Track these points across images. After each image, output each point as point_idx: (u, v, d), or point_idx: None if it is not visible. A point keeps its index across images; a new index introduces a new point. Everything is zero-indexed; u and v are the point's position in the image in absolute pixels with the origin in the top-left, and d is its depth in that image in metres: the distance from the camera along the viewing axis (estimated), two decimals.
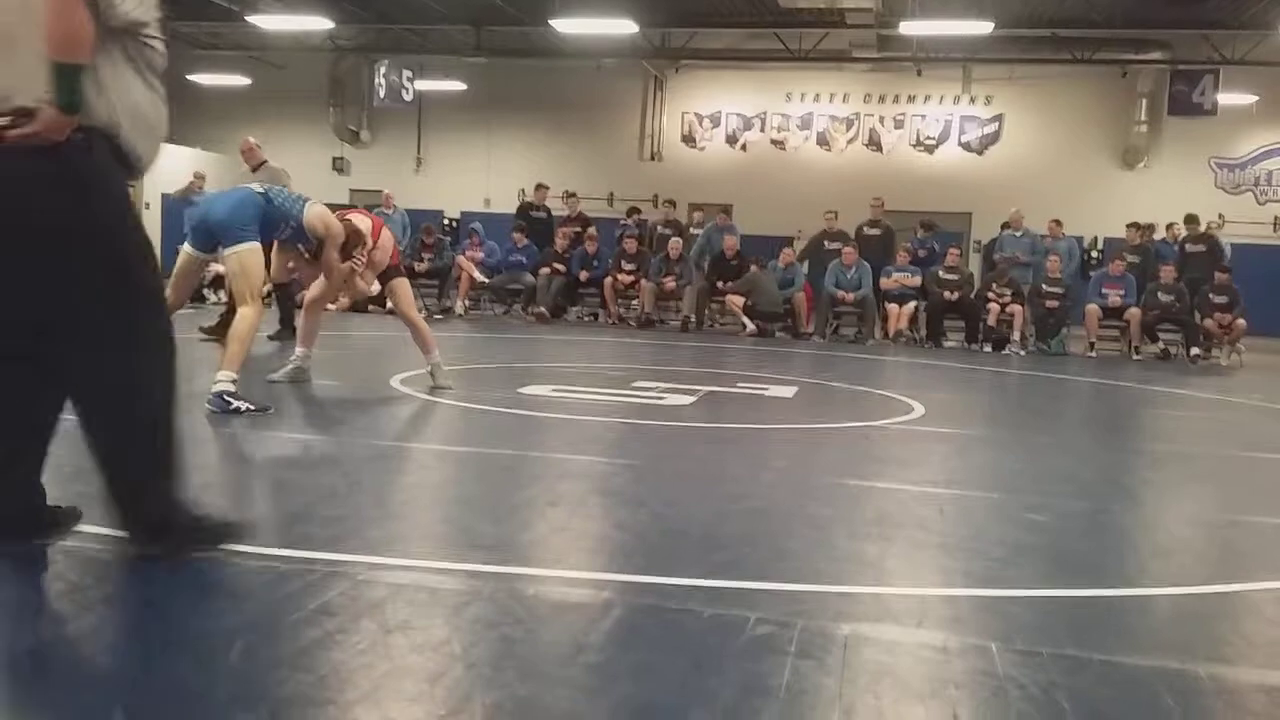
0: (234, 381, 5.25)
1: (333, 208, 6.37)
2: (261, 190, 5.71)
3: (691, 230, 14.92)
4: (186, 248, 5.74)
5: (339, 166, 20.45)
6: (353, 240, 6.14)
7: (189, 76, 20.55)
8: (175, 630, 2.40)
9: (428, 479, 4.39)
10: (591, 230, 14.60)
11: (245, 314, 5.44)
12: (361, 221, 6.35)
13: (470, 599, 2.69)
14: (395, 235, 6.91)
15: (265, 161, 9.23)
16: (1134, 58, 17.14)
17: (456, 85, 18.94)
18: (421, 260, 14.22)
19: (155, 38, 2.69)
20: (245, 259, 5.46)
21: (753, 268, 13.54)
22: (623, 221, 15.55)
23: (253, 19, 16.27)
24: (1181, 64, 17.04)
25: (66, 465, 4.13)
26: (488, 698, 2.09)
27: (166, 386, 2.79)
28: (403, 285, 6.70)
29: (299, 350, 6.56)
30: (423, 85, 19.07)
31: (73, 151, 2.50)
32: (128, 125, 2.62)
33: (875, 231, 14.15)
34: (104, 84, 2.55)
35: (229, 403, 5.17)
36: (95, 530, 3.04)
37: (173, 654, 2.26)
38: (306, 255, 6.19)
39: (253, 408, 5.22)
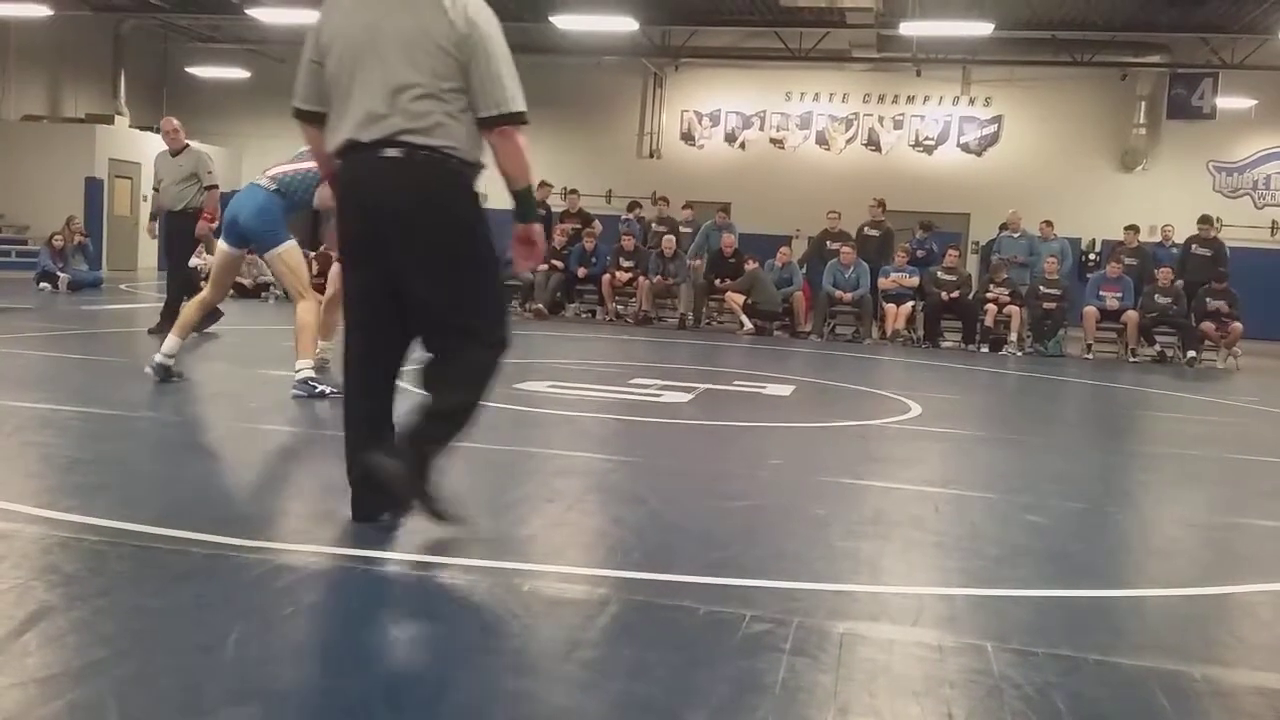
0: (313, 368, 5.70)
1: None
2: (275, 188, 5.81)
3: (682, 228, 14.90)
4: (222, 244, 5.97)
5: None
6: None
7: (188, 69, 20.56)
8: (170, 623, 2.39)
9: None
10: (595, 225, 14.58)
11: (305, 306, 5.83)
12: None
13: (466, 594, 2.69)
14: None
15: (188, 145, 9.11)
16: (1133, 61, 17.17)
17: None
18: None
19: None
20: (287, 259, 5.82)
21: (749, 265, 13.54)
22: (625, 217, 15.54)
23: (252, 12, 16.26)
24: (1181, 67, 17.07)
25: (62, 456, 4.14)
26: (483, 692, 2.09)
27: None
28: None
29: (321, 343, 6.58)
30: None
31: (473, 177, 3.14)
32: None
33: (875, 232, 14.16)
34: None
35: (313, 386, 5.61)
36: (92, 521, 3.05)
37: (162, 647, 2.25)
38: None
39: (336, 390, 5.28)
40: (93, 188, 17.90)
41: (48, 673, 2.04)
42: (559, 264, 14.15)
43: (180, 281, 9.12)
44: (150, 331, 8.64)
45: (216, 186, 8.91)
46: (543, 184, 15.63)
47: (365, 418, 3.16)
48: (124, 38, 19.35)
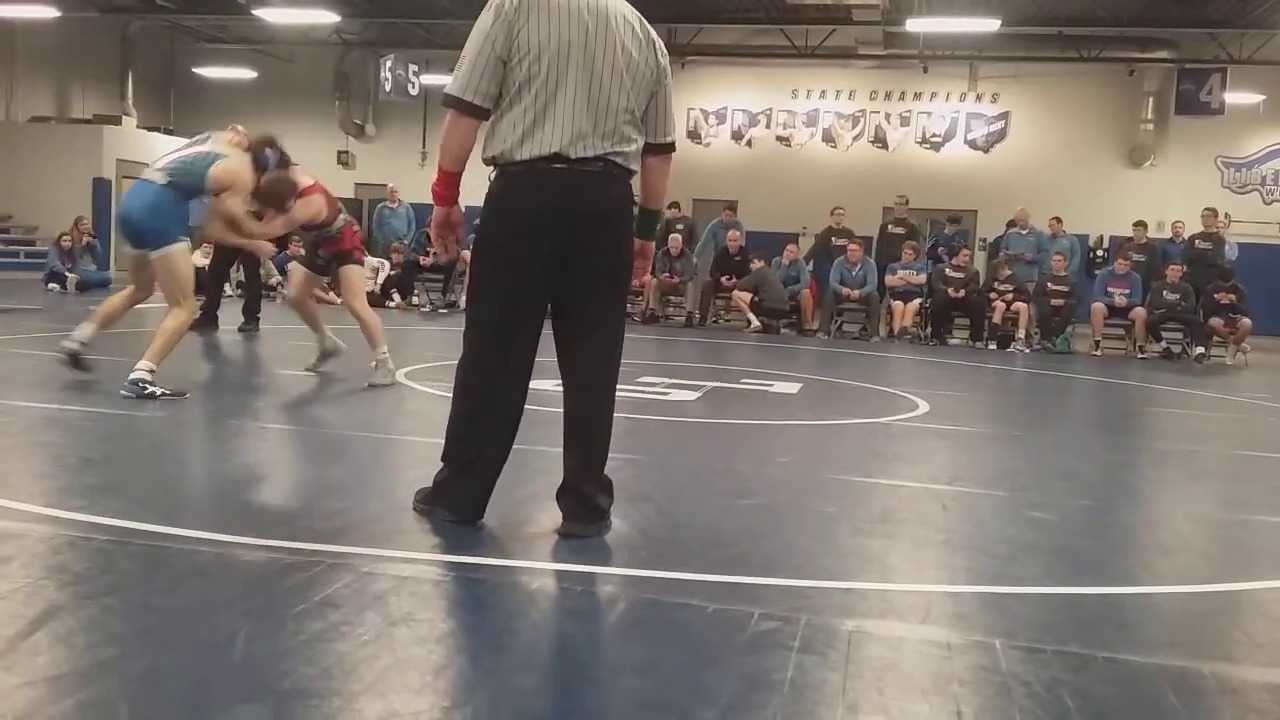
0: (152, 372, 5.36)
1: (338, 201, 6.37)
2: (167, 180, 5.52)
3: (675, 227, 14.94)
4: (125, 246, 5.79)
5: (344, 160, 20.45)
6: (285, 190, 6.13)
7: (195, 69, 20.58)
8: (179, 622, 2.40)
9: (430, 472, 4.38)
10: None
11: (178, 314, 5.53)
12: (302, 178, 6.32)
13: (474, 593, 2.69)
14: (352, 221, 6.71)
15: None
16: (1141, 56, 17.11)
17: None
18: (427, 255, 14.22)
19: None
20: (172, 262, 5.50)
21: (756, 264, 13.53)
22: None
23: (259, 12, 16.27)
24: (1188, 63, 17.01)
25: (70, 456, 4.15)
26: (491, 690, 2.09)
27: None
28: (352, 274, 6.59)
29: (316, 336, 6.62)
30: (428, 79, 19.06)
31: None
32: None
33: (900, 230, 14.15)
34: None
35: (144, 388, 5.29)
36: (101, 520, 3.05)
37: (171, 646, 2.26)
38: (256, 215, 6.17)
39: (169, 392, 5.34)
40: (100, 188, 17.94)
41: (58, 671, 2.05)
42: None
43: (254, 280, 9.39)
44: (240, 330, 9.07)
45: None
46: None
47: (509, 419, 3.33)
48: (131, 39, 19.39)
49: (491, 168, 3.15)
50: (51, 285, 14.07)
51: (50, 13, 16.33)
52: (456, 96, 3.05)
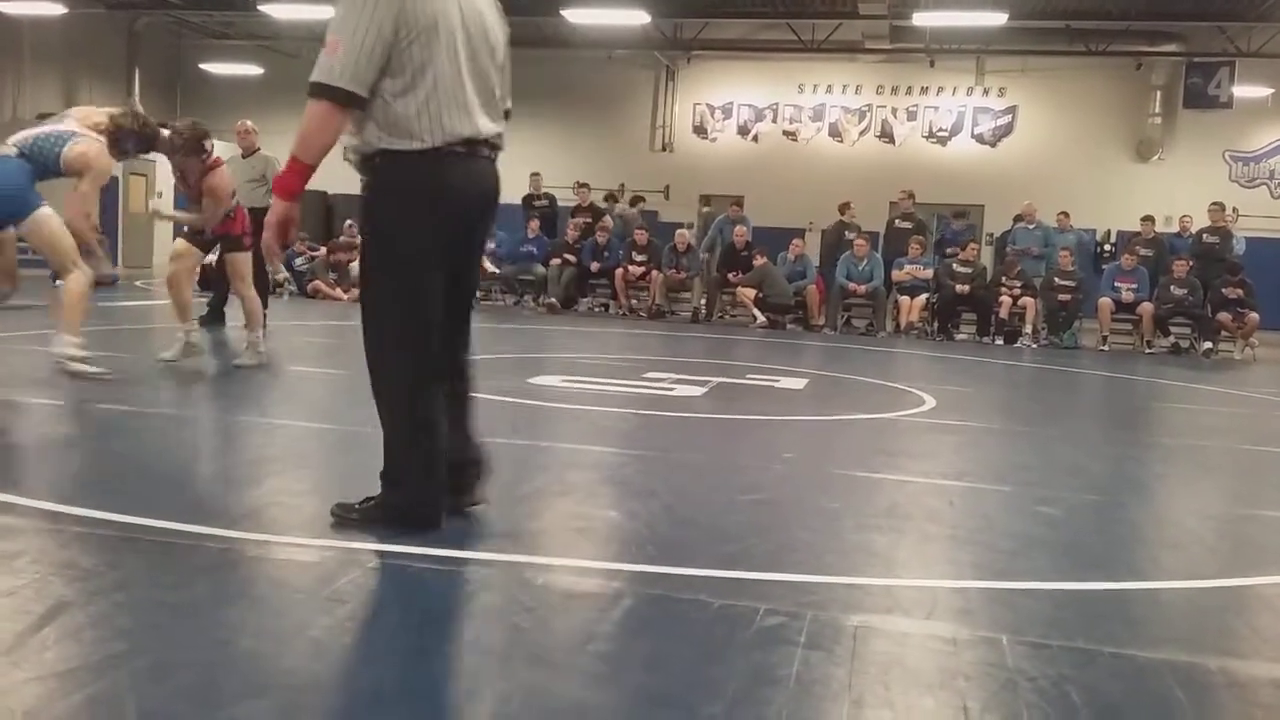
0: (77, 346, 5.37)
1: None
2: (16, 152, 5.35)
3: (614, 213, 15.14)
4: None
5: (348, 157, 20.45)
6: (200, 132, 6.06)
7: (201, 65, 20.61)
8: (180, 617, 2.41)
9: None
10: (607, 220, 14.60)
11: (76, 277, 5.50)
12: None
13: (480, 588, 2.70)
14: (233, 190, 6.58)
15: (259, 149, 9.23)
16: (1148, 50, 17.06)
17: None
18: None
19: None
20: (44, 228, 5.37)
21: (759, 259, 13.51)
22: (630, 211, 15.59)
23: (265, 8, 16.28)
24: (1196, 56, 16.95)
25: (78, 451, 4.16)
26: (499, 685, 2.09)
27: None
28: (238, 260, 6.71)
29: (183, 326, 6.50)
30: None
31: None
32: None
33: (907, 224, 14.14)
34: None
35: (68, 364, 5.32)
36: (109, 516, 3.06)
37: (178, 641, 2.27)
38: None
39: (99, 372, 5.40)
40: (108, 185, 17.95)
41: (66, 666, 2.06)
42: (572, 258, 14.16)
43: (260, 276, 9.38)
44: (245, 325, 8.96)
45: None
46: (534, 175, 15.67)
47: (448, 414, 3.17)
48: (137, 35, 19.42)
49: (371, 154, 3.01)
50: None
51: (57, 9, 16.36)
52: (340, 88, 2.86)
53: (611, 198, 15.54)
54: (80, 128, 5.49)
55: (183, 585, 2.62)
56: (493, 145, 3.10)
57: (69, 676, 2.02)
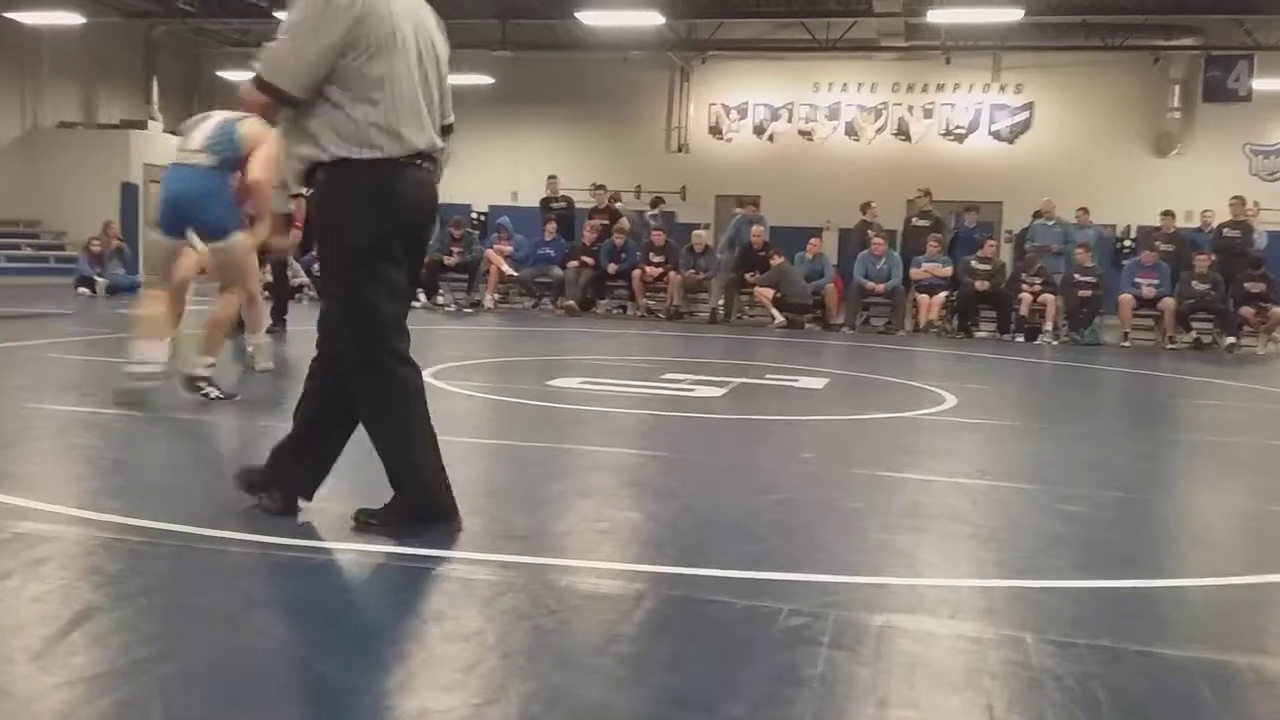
0: (211, 367, 5.37)
1: None
2: (212, 162, 5.27)
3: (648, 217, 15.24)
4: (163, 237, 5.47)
5: None
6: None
7: (218, 73, 20.71)
8: (205, 621, 2.42)
9: (459, 472, 4.38)
10: (624, 221, 14.61)
11: (230, 302, 5.54)
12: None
13: (503, 590, 2.70)
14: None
15: None
16: (1166, 44, 16.94)
17: (483, 79, 18.98)
18: (450, 254, 14.26)
19: None
20: (239, 252, 5.40)
21: (776, 259, 13.49)
22: (649, 213, 15.58)
23: (281, 15, 16.34)
24: (1215, 50, 16.82)
25: (103, 458, 4.20)
26: (522, 687, 2.10)
27: None
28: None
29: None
30: (450, 80, 19.09)
31: None
32: None
33: (924, 222, 14.11)
34: None
35: (201, 388, 5.30)
36: (134, 522, 3.08)
37: (204, 645, 2.28)
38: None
39: (222, 395, 5.36)
40: (128, 192, 18.09)
41: (94, 671, 2.08)
42: (589, 260, 14.17)
43: (281, 281, 9.48)
44: (268, 331, 9.00)
45: (302, 194, 9.00)
46: (550, 178, 15.72)
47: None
48: (155, 43, 19.54)
49: (325, 162, 3.05)
50: (81, 290, 14.21)
51: (75, 19, 16.48)
52: (285, 91, 3.00)
53: (614, 199, 15.59)
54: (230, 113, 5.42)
55: (207, 590, 2.63)
56: (432, 158, 3.18)
57: (96, 681, 2.03)
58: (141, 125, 18.88)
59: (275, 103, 3.05)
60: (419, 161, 3.11)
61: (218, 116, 5.48)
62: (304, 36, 2.96)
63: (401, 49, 3.02)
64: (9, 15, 16.16)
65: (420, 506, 3.16)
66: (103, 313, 11.72)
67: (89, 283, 14.27)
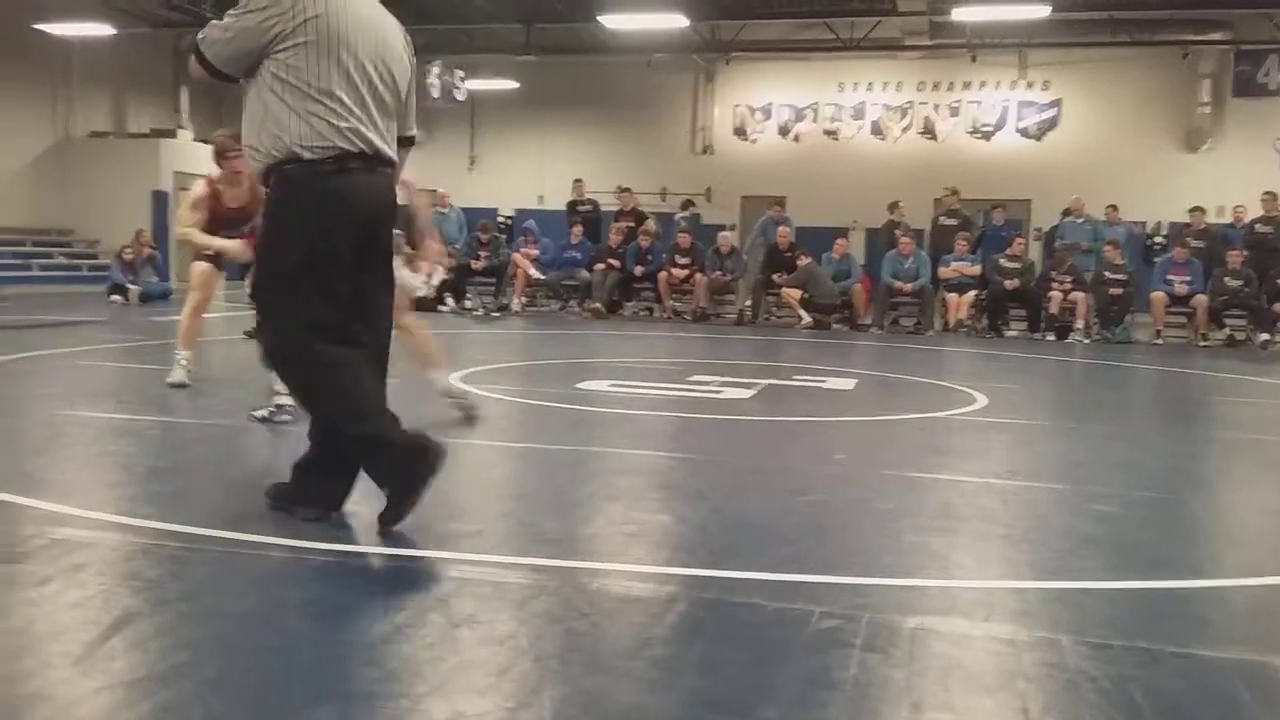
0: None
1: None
2: None
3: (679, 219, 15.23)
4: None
5: None
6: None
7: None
8: (243, 625, 2.45)
9: (489, 475, 4.43)
10: (649, 224, 14.63)
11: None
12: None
13: (535, 593, 2.71)
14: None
15: None
16: (1194, 39, 16.77)
17: (508, 84, 19.05)
18: (478, 258, 14.32)
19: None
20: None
21: (803, 260, 13.46)
22: (677, 215, 15.60)
23: None
24: (1244, 44, 16.64)
25: (140, 464, 4.24)
26: (555, 691, 2.10)
27: None
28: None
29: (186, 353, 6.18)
30: (474, 85, 19.19)
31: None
32: None
33: (952, 221, 14.05)
34: None
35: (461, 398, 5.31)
36: (172, 528, 3.12)
37: (241, 649, 2.30)
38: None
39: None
40: (159, 200, 18.28)
41: (134, 676, 2.10)
42: (616, 263, 14.19)
43: None
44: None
45: None
46: (576, 181, 15.77)
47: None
48: (184, 53, 19.62)
49: (276, 163, 3.13)
50: (114, 297, 14.37)
51: (106, 30, 16.67)
52: (213, 65, 3.16)
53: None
54: None
55: (244, 594, 2.66)
56: (389, 163, 3.25)
57: (136, 686, 2.05)
58: (171, 134, 19.08)
59: (209, 76, 3.18)
60: (372, 165, 3.16)
61: None
62: (238, 17, 3.09)
63: (350, 55, 3.09)
64: (40, 27, 16.37)
65: (407, 462, 3.10)
66: (136, 320, 11.84)
67: (121, 290, 14.43)
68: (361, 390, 3.18)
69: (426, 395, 5.17)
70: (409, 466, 3.10)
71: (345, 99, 3.09)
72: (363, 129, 3.11)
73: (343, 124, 3.08)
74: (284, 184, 3.14)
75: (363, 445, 3.16)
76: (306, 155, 3.07)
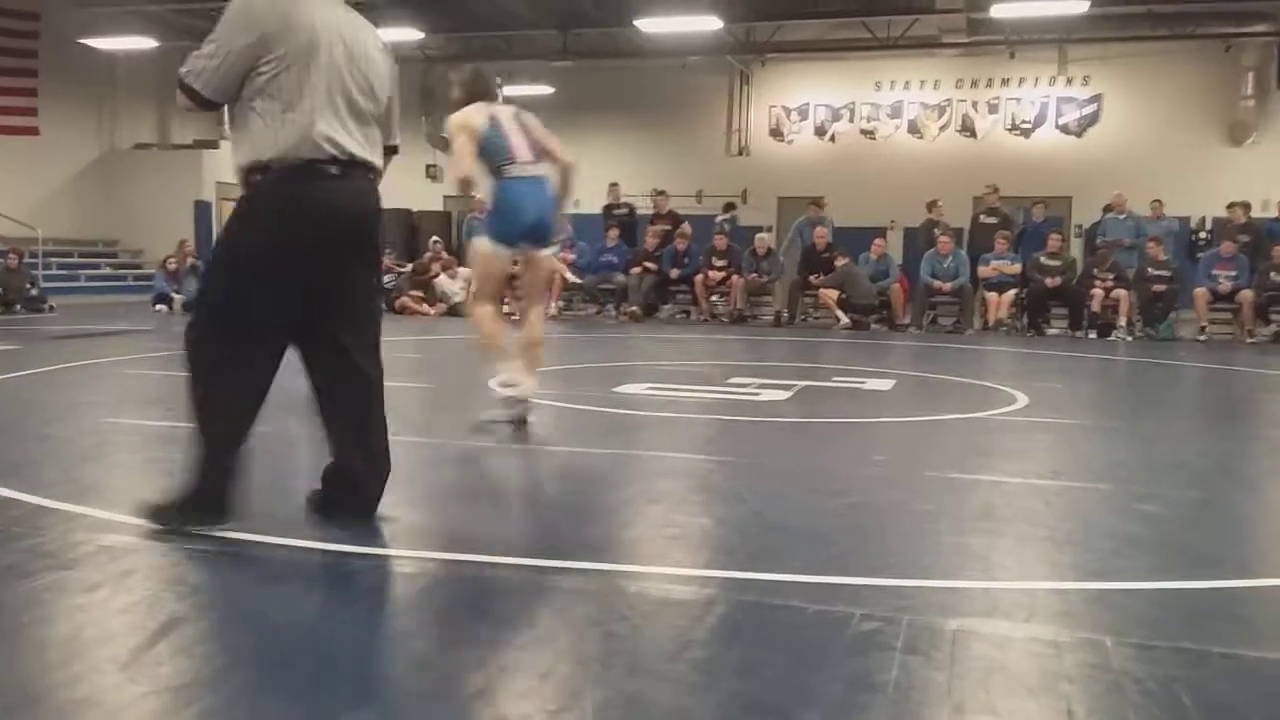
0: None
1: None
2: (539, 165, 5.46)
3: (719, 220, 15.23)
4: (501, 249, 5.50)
5: (432, 174, 20.77)
6: None
7: None
8: (286, 630, 2.47)
9: (529, 479, 4.45)
10: (685, 227, 14.62)
11: (543, 313, 5.59)
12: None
13: (576, 596, 2.72)
14: None
15: None
16: (1237, 31, 16.50)
17: (544, 89, 19.12)
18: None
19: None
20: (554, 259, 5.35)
21: (840, 261, 13.40)
22: (719, 218, 15.59)
23: None
24: None
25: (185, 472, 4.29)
26: (597, 694, 2.11)
27: None
28: None
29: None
30: (511, 90, 19.27)
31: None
32: None
33: (992, 219, 13.94)
34: None
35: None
36: (216, 533, 3.16)
37: (285, 653, 2.33)
38: None
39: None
40: (201, 210, 18.54)
41: (180, 681, 2.13)
42: (652, 266, 14.20)
43: None
44: None
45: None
46: (612, 185, 15.80)
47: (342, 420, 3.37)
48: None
49: (251, 169, 3.13)
50: (159, 306, 14.59)
51: (149, 44, 16.94)
52: (200, 94, 3.16)
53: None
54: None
55: (288, 599, 2.69)
56: (371, 169, 3.24)
57: (182, 691, 2.09)
58: (213, 145, 19.32)
59: (195, 105, 3.20)
60: (348, 171, 3.15)
61: (502, 115, 5.47)
62: (221, 43, 3.09)
63: (325, 62, 3.08)
64: (85, 41, 16.66)
65: (197, 494, 3.16)
66: (180, 329, 11.98)
67: (166, 300, 14.64)
68: (227, 415, 3.22)
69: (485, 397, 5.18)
70: (198, 496, 3.17)
71: (320, 107, 3.07)
72: (337, 135, 3.10)
73: (314, 131, 3.06)
74: (251, 192, 3.14)
75: (200, 448, 3.20)
76: (274, 164, 3.08)
